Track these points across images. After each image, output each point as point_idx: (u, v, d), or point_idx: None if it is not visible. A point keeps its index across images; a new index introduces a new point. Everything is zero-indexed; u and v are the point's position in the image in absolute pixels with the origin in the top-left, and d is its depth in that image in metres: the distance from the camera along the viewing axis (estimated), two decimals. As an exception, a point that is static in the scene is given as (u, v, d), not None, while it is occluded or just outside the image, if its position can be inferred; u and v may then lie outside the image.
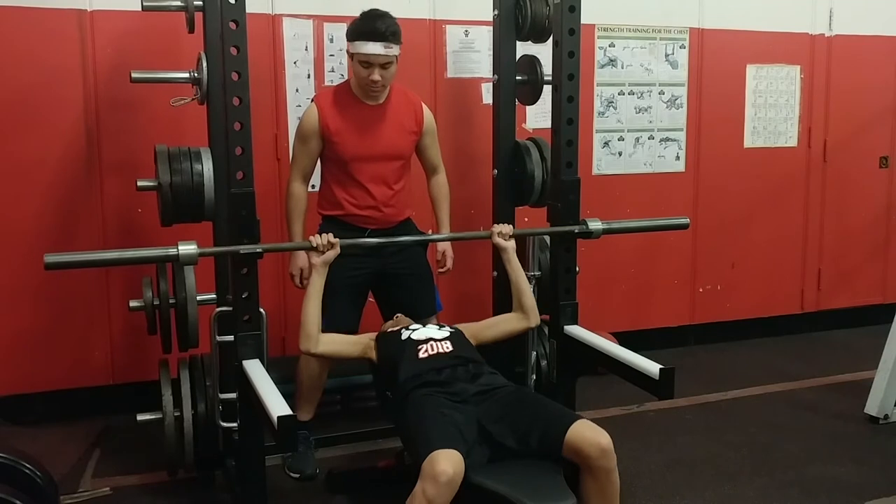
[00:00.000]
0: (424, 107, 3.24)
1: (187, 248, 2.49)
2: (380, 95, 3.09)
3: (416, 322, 2.97)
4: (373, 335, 2.89)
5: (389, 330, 2.88)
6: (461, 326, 2.90)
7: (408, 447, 2.59)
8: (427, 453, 2.20)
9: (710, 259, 4.85)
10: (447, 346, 2.71)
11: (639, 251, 4.63)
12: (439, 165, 3.37)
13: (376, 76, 2.97)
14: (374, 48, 2.93)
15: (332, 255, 2.73)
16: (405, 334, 2.78)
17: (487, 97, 4.09)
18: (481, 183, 3.91)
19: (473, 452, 2.33)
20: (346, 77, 3.84)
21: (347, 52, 3.05)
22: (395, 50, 2.97)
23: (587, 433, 2.33)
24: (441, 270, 3.44)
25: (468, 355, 2.72)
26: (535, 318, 2.95)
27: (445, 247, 3.44)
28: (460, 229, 3.69)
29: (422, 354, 2.67)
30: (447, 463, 2.15)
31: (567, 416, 2.43)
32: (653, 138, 4.63)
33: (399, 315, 3.05)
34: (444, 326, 2.86)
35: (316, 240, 2.73)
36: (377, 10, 3.02)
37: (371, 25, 2.94)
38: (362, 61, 2.96)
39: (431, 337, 2.75)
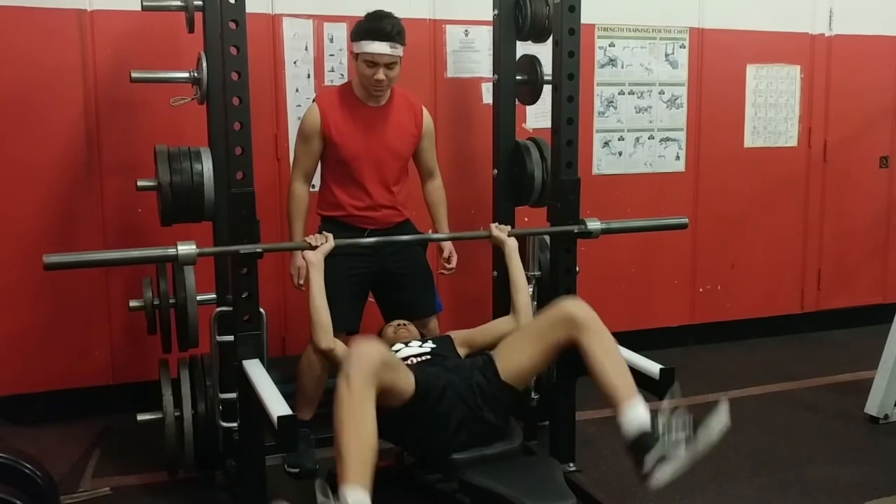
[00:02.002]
0: (424, 109, 3.25)
1: (186, 248, 2.49)
2: (382, 97, 3.10)
3: (416, 322, 2.98)
4: None
5: None
6: (453, 333, 2.88)
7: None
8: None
9: (710, 259, 4.85)
10: (427, 358, 2.68)
11: (639, 251, 4.63)
12: (435, 170, 3.37)
13: (381, 76, 2.97)
14: (379, 47, 2.93)
15: (327, 247, 2.69)
16: None
17: (487, 97, 4.08)
18: (481, 183, 3.91)
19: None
20: (346, 77, 3.84)
21: (352, 52, 3.05)
22: (399, 50, 2.98)
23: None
24: (448, 268, 3.38)
25: (447, 355, 2.70)
26: (523, 318, 2.87)
27: (451, 248, 3.41)
28: (460, 229, 3.68)
29: None
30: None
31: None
32: (653, 138, 4.62)
33: (406, 323, 3.00)
34: (427, 341, 2.82)
35: (312, 240, 2.69)
36: (382, 10, 3.02)
37: (377, 25, 2.95)
38: (367, 61, 2.96)
39: (410, 355, 2.69)
